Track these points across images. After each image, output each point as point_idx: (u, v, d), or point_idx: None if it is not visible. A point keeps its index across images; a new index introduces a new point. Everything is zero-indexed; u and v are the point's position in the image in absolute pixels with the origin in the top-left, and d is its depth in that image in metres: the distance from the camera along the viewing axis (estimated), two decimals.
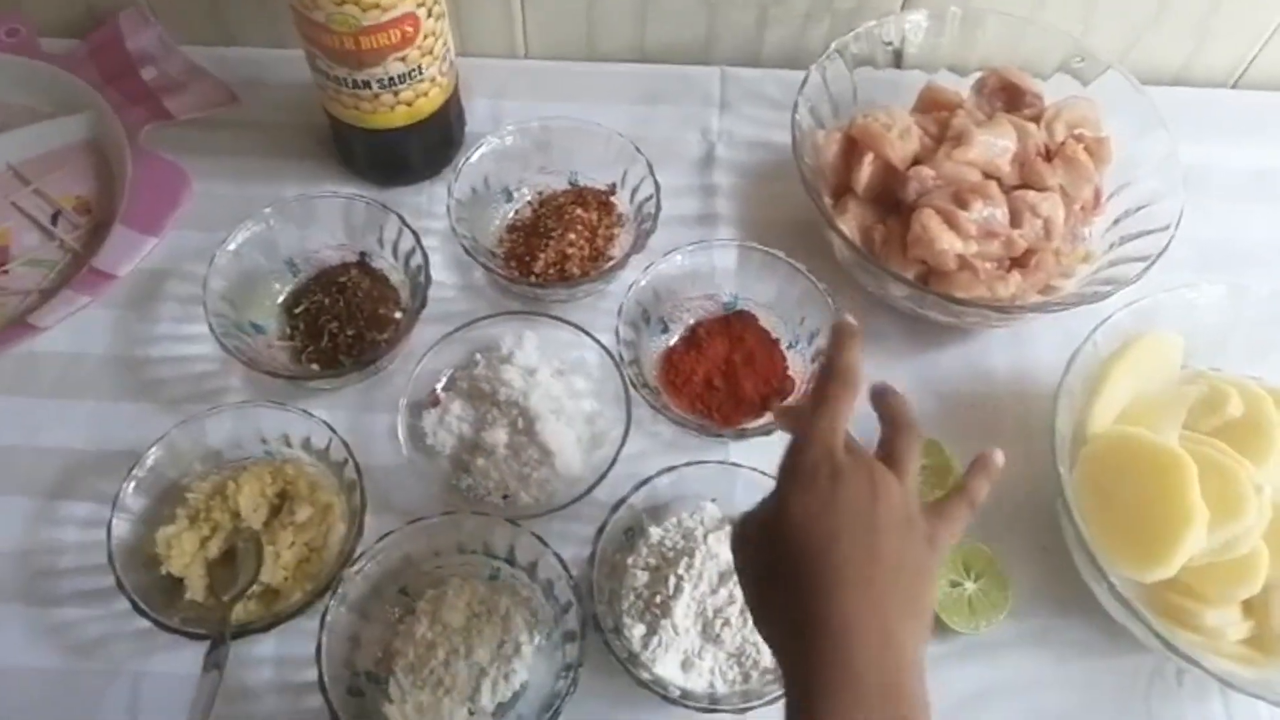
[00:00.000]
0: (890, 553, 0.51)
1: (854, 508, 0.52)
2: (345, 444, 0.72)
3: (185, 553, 0.70)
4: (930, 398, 0.80)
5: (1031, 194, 0.78)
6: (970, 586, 0.71)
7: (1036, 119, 0.83)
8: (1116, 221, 0.82)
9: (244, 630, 0.67)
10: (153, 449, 0.71)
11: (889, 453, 0.56)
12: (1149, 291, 0.74)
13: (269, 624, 0.67)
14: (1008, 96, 0.85)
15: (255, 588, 0.70)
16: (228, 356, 0.78)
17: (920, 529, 0.53)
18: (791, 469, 0.54)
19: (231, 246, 0.78)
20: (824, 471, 0.52)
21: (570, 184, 0.87)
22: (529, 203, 0.87)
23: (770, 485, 0.69)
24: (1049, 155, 0.81)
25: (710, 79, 0.96)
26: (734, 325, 0.80)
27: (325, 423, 0.72)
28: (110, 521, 0.68)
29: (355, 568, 0.67)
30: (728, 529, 0.71)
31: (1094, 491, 0.68)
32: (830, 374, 0.55)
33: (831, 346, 0.56)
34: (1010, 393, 0.81)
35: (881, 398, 0.59)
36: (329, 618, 0.65)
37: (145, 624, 0.69)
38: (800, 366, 0.79)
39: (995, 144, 0.80)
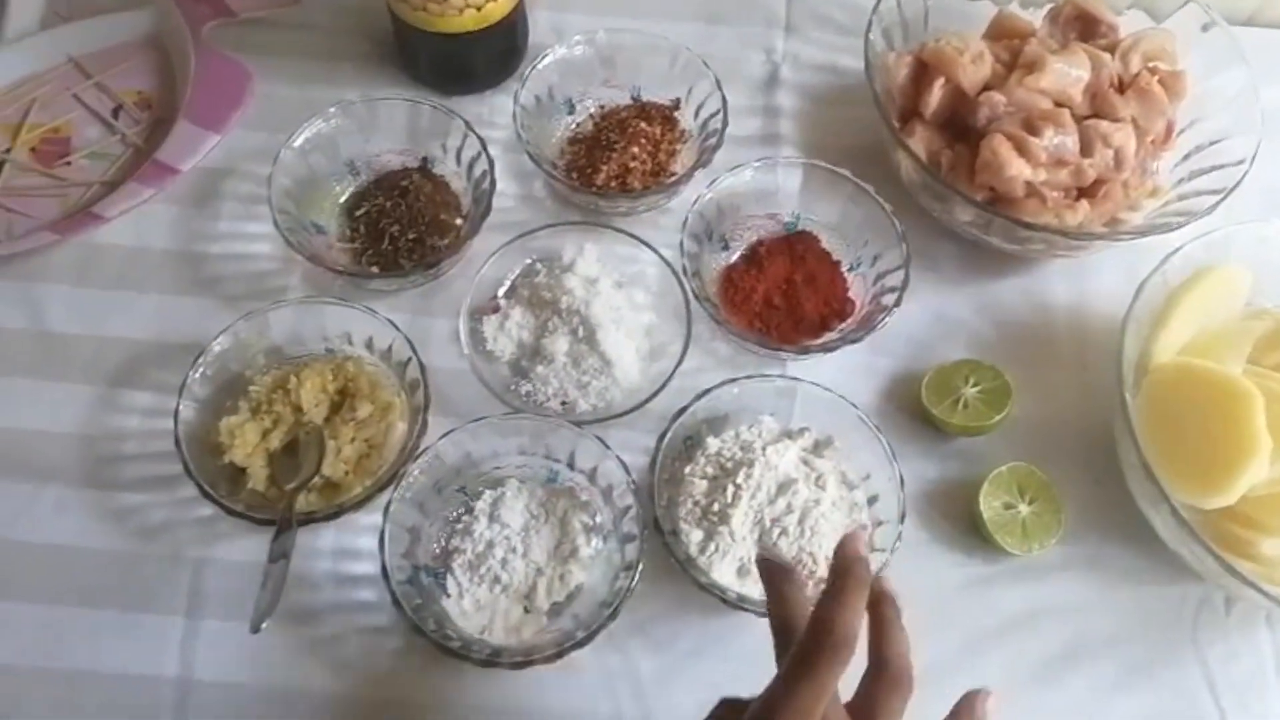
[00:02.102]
0: None
1: None
2: (410, 342, 0.72)
3: (248, 443, 0.71)
4: (988, 325, 0.80)
5: (1104, 124, 0.77)
6: (1024, 509, 0.71)
7: (1111, 50, 0.81)
8: (1187, 157, 0.81)
9: (307, 519, 0.68)
10: (218, 339, 0.72)
11: (869, 711, 0.47)
12: (1218, 225, 0.74)
13: (332, 513, 0.68)
14: (1082, 26, 0.84)
15: (316, 480, 0.71)
16: (287, 256, 0.79)
17: None
18: None
19: (297, 143, 0.78)
20: None
21: (633, 99, 0.87)
22: (590, 116, 0.87)
23: (832, 400, 0.71)
24: (1122, 87, 0.80)
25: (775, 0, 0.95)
26: (795, 245, 0.80)
27: (390, 321, 0.73)
28: (177, 407, 0.69)
29: (418, 462, 0.68)
30: (786, 442, 0.72)
31: (1157, 419, 0.68)
32: (824, 633, 0.44)
33: (834, 587, 0.46)
34: (1069, 324, 0.81)
35: (882, 626, 0.49)
36: (392, 508, 0.66)
37: (206, 511, 0.70)
38: (860, 289, 0.79)
39: (1069, 72, 0.79)
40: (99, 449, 0.74)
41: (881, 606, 0.49)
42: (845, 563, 0.47)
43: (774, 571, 0.48)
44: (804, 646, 0.45)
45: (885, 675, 0.47)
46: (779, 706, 0.44)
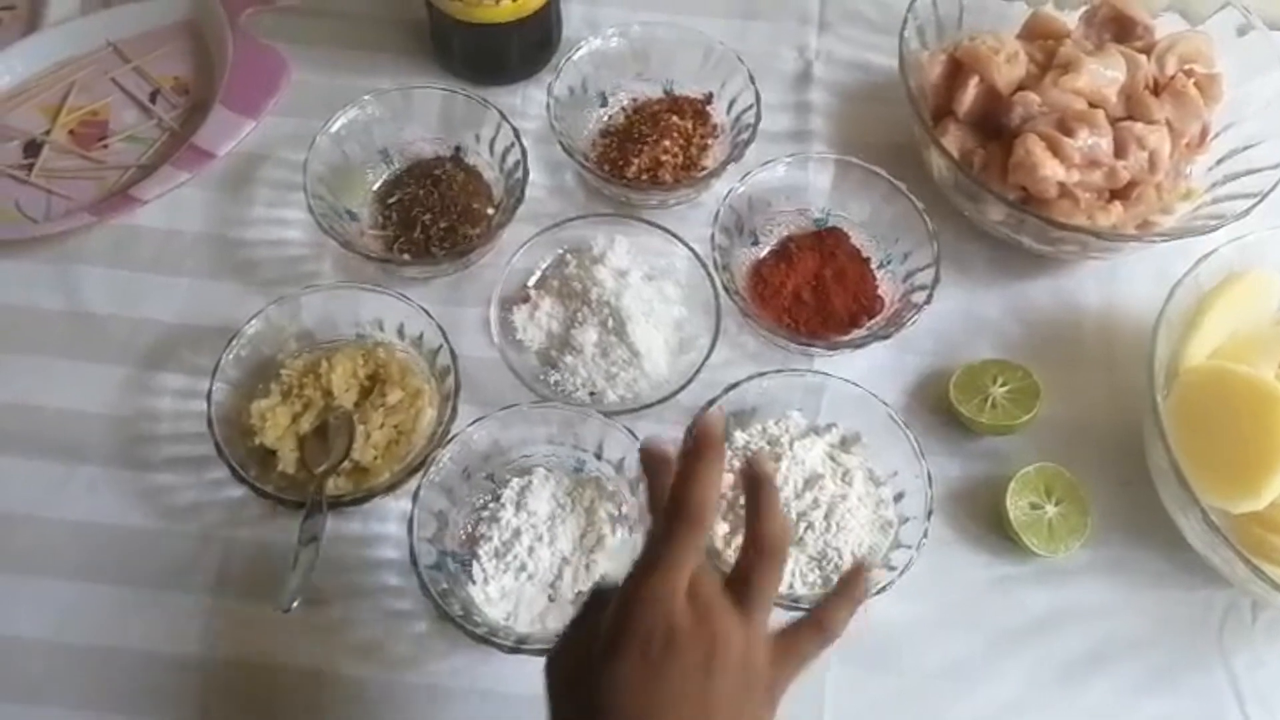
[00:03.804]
0: None
1: (685, 688, 0.45)
2: (441, 328, 0.72)
3: (279, 425, 0.71)
4: (1018, 325, 0.80)
5: (1138, 126, 0.77)
6: (1051, 510, 0.71)
7: (1146, 51, 0.81)
8: (1221, 160, 0.80)
9: (336, 502, 0.69)
10: (251, 322, 0.72)
11: (744, 580, 0.48)
12: (1252, 229, 0.73)
13: (361, 497, 0.69)
14: (1117, 27, 0.84)
15: (345, 465, 0.71)
16: (320, 242, 0.80)
17: (760, 684, 0.48)
18: (621, 627, 0.46)
19: (333, 130, 0.79)
20: (657, 639, 0.45)
21: (665, 92, 0.87)
22: (623, 109, 0.87)
23: (860, 396, 0.71)
24: (1157, 89, 0.80)
25: None
26: (826, 241, 0.80)
27: (422, 308, 0.73)
28: (210, 388, 0.70)
29: (446, 449, 0.69)
30: (813, 437, 0.72)
31: (1187, 422, 0.68)
32: (677, 509, 0.46)
33: (686, 466, 0.47)
34: (1098, 326, 0.81)
35: (753, 492, 0.49)
36: (420, 493, 0.66)
37: (236, 493, 0.71)
38: (890, 287, 0.79)
39: (1104, 73, 0.79)
40: (132, 429, 0.74)
41: (760, 489, 0.50)
42: (699, 442, 0.47)
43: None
44: (662, 523, 0.47)
45: (761, 548, 0.49)
46: (641, 581, 0.46)
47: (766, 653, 0.48)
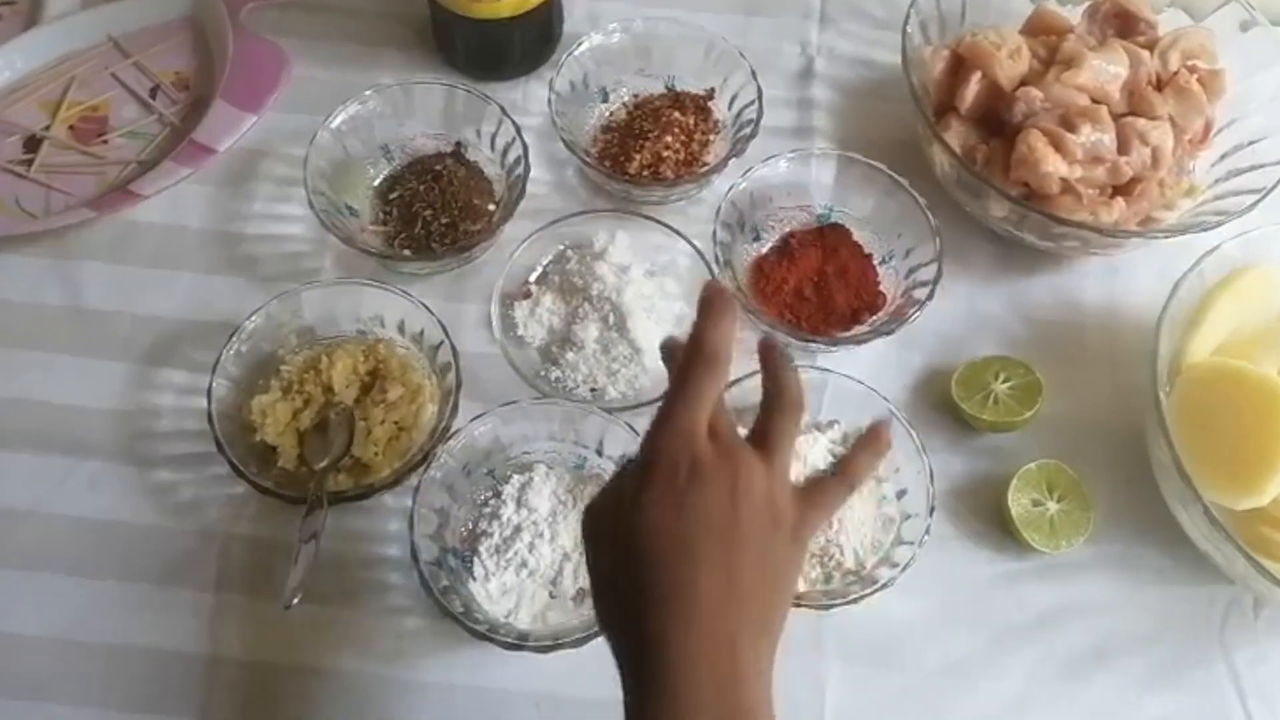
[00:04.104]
0: (750, 568, 0.47)
1: (712, 515, 0.47)
2: (442, 324, 0.72)
3: (279, 421, 0.71)
4: (1020, 322, 0.80)
5: (1141, 121, 0.77)
6: (1053, 507, 0.71)
7: (1149, 47, 0.81)
8: (1224, 156, 0.80)
9: (337, 498, 0.68)
10: (252, 318, 0.72)
11: (763, 431, 0.51)
12: (1255, 225, 0.73)
13: (361, 493, 0.69)
14: (1120, 23, 0.83)
15: (346, 461, 0.71)
16: (321, 238, 0.80)
17: (786, 522, 0.49)
18: (648, 462, 0.48)
19: (334, 124, 0.79)
20: (682, 469, 0.47)
21: (667, 88, 0.87)
22: (624, 104, 0.87)
23: (862, 392, 0.71)
24: (1160, 85, 0.80)
25: None
26: (828, 237, 0.80)
27: (423, 304, 0.73)
28: (211, 384, 0.70)
29: (447, 445, 0.68)
30: (815, 434, 0.72)
31: (1189, 419, 0.68)
32: (694, 350, 0.49)
33: (700, 316, 0.49)
34: (1100, 323, 0.80)
35: (767, 358, 0.53)
36: (421, 489, 0.66)
37: (236, 490, 0.71)
38: (891, 283, 0.79)
39: (1106, 69, 0.78)
40: (133, 425, 0.74)
41: (772, 352, 0.53)
42: (709, 294, 0.50)
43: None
44: (682, 365, 0.49)
45: (780, 400, 0.52)
46: (664, 418, 0.49)
47: (791, 497, 0.50)
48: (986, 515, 0.73)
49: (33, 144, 0.85)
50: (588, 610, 0.68)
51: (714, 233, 0.75)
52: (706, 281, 0.52)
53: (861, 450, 0.54)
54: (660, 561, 0.47)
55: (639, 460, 0.49)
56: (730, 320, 0.49)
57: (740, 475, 0.48)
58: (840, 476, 0.53)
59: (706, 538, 0.47)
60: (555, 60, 0.85)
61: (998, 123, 0.80)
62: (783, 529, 0.49)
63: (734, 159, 0.80)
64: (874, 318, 0.78)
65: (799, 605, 0.65)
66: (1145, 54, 0.80)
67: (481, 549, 0.69)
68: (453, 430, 0.70)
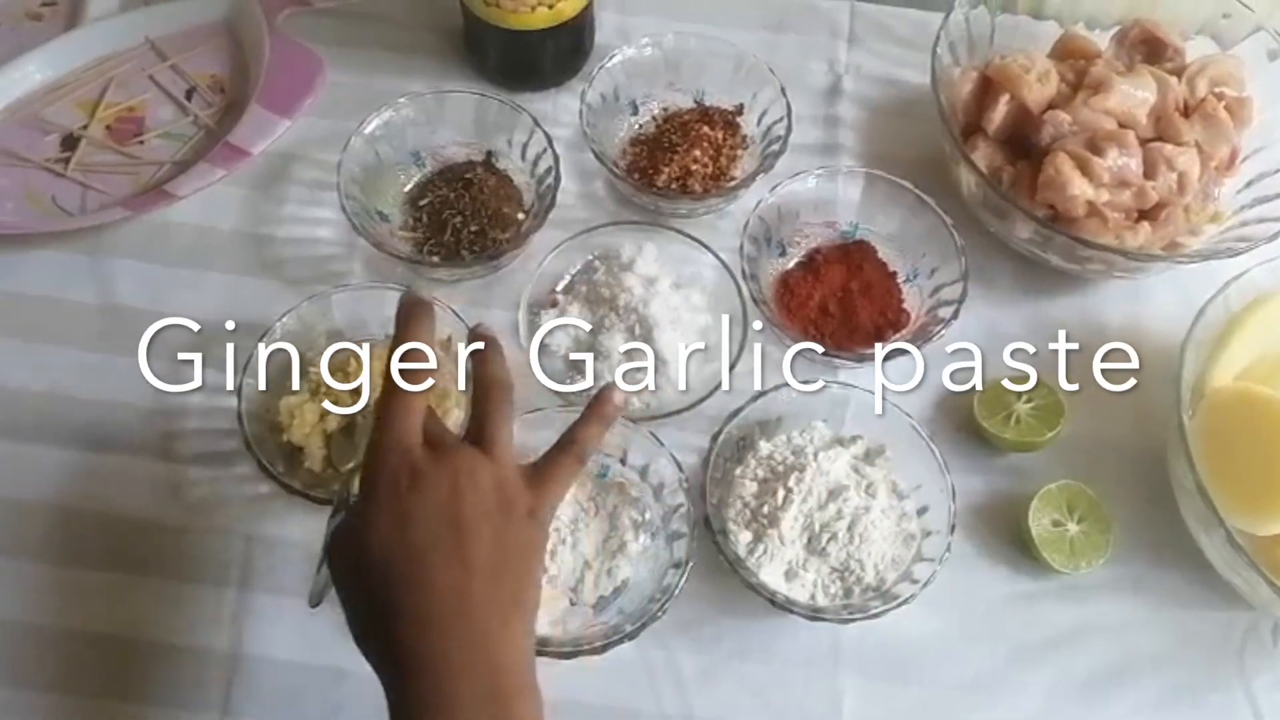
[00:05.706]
0: (485, 555, 0.49)
1: (438, 515, 0.49)
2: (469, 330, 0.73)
3: (306, 423, 0.72)
4: (1041, 343, 0.80)
5: (1168, 147, 0.78)
6: (1073, 528, 0.71)
7: (1177, 74, 0.81)
8: (1250, 183, 0.81)
9: None
10: (283, 319, 0.73)
11: (478, 422, 0.53)
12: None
13: None
14: (1148, 49, 0.84)
15: None
16: (351, 242, 0.80)
17: (520, 506, 0.51)
18: (370, 483, 0.50)
19: (367, 131, 0.79)
20: (403, 481, 0.49)
21: (696, 103, 0.88)
22: (653, 118, 0.87)
23: (887, 411, 0.71)
24: (1187, 111, 0.80)
25: (839, 11, 0.95)
26: (853, 254, 0.81)
27: (452, 309, 0.74)
28: (240, 384, 0.70)
29: None
30: (837, 448, 0.72)
31: (1213, 443, 0.68)
32: (395, 365, 0.51)
33: (397, 328, 0.52)
34: (1122, 345, 0.80)
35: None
36: None
37: (262, 490, 0.72)
38: (916, 301, 0.80)
39: (1134, 94, 0.79)
40: (161, 423, 0.75)
41: (479, 341, 0.56)
42: (404, 303, 0.53)
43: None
44: (386, 382, 0.52)
45: (486, 387, 0.54)
46: (377, 437, 0.51)
47: (521, 479, 0.52)
48: (1007, 534, 0.73)
49: (70, 143, 0.86)
50: (608, 617, 0.68)
51: (741, 246, 0.76)
52: (403, 290, 0.54)
53: (588, 417, 0.55)
54: (395, 573, 0.49)
55: (362, 484, 0.51)
56: (428, 329, 0.51)
57: (461, 472, 0.50)
58: (569, 449, 0.54)
59: (435, 539, 0.49)
60: (586, 72, 0.86)
61: (1025, 145, 0.81)
62: (517, 510, 0.51)
63: (761, 174, 0.80)
64: (897, 335, 0.78)
65: (818, 618, 0.66)
66: (1173, 80, 0.80)
67: None
68: None
